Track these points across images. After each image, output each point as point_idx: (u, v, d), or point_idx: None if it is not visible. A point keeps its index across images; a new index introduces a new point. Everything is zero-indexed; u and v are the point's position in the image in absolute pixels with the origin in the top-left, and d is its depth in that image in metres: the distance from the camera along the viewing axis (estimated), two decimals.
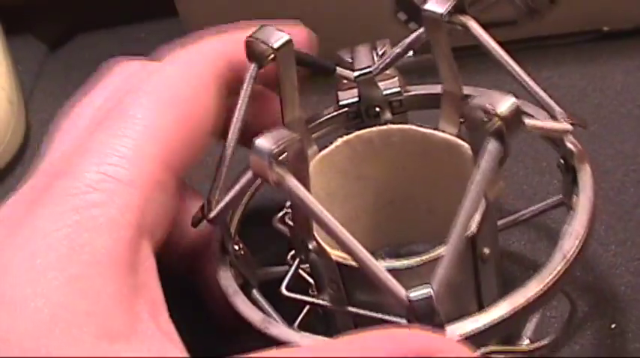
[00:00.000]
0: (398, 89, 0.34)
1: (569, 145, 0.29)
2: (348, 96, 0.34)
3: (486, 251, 0.27)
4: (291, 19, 0.32)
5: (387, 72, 0.33)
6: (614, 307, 0.34)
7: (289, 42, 0.30)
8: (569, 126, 0.29)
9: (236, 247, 0.30)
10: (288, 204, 0.31)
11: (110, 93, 0.30)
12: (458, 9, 0.30)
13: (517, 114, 0.24)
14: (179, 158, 0.28)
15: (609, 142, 0.41)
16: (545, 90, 0.30)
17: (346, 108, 0.34)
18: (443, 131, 0.32)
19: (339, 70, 0.33)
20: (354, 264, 0.25)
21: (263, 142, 0.24)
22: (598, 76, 0.44)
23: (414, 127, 0.33)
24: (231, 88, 0.31)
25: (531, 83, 0.29)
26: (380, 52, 0.34)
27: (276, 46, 0.30)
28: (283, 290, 0.29)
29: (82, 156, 0.27)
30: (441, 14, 0.30)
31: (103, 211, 0.25)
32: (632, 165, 0.39)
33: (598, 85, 0.44)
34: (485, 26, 0.32)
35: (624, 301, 0.34)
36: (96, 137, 0.27)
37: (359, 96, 0.34)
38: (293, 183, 0.25)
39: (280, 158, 0.24)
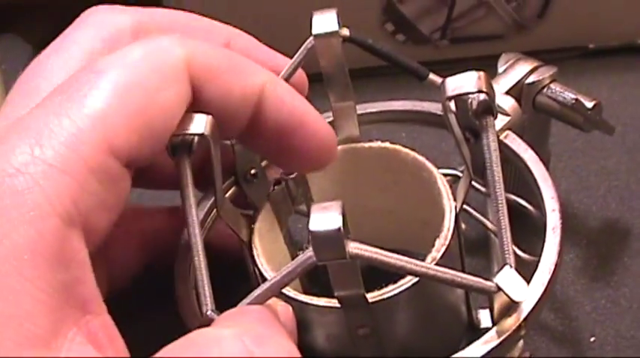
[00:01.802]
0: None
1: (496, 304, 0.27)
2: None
3: (362, 331, 0.27)
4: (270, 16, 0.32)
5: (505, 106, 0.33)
6: (594, 320, 0.35)
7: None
8: (492, 287, 0.26)
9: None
10: None
11: (79, 62, 0.29)
12: (484, 108, 0.28)
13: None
14: (127, 147, 0.26)
15: (593, 158, 0.41)
16: None
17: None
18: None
19: (431, 76, 0.32)
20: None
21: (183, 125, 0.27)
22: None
23: (405, 150, 0.33)
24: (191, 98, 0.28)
25: (506, 227, 0.27)
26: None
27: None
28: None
29: (18, 133, 0.25)
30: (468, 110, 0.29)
31: (28, 198, 0.23)
32: (615, 181, 0.40)
33: None
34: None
35: (604, 314, 0.35)
36: (38, 113, 0.26)
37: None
38: (182, 173, 0.27)
39: (179, 139, 0.27)
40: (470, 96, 0.28)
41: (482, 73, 0.28)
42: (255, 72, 0.30)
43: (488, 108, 0.28)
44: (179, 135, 0.27)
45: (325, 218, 0.23)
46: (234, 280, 0.31)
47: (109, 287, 0.31)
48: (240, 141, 0.32)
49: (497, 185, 0.27)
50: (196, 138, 0.28)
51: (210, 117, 0.28)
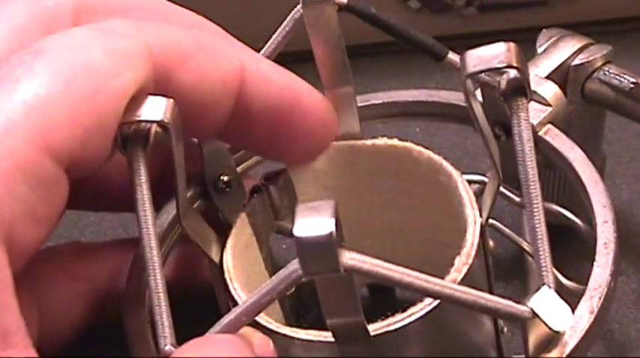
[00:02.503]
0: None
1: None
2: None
3: None
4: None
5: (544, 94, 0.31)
6: None
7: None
8: (526, 312, 0.24)
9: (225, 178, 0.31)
10: None
11: (8, 43, 0.28)
12: (517, 89, 0.27)
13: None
14: (69, 144, 0.25)
15: None
16: None
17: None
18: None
19: (451, 55, 0.31)
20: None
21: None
22: None
23: (417, 148, 0.31)
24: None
25: (542, 237, 0.25)
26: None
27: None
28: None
29: None
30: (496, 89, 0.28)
31: None
32: None
33: None
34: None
35: None
36: None
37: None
38: (135, 170, 0.26)
39: (132, 128, 0.25)
40: (497, 77, 0.27)
41: (512, 44, 0.26)
42: (230, 50, 0.29)
43: (520, 88, 0.27)
44: (131, 122, 0.26)
45: (314, 221, 0.22)
46: (202, 313, 0.28)
47: (44, 344, 0.29)
48: (223, 138, 0.30)
49: (531, 184, 0.26)
50: (153, 127, 0.26)
51: (171, 100, 0.26)
